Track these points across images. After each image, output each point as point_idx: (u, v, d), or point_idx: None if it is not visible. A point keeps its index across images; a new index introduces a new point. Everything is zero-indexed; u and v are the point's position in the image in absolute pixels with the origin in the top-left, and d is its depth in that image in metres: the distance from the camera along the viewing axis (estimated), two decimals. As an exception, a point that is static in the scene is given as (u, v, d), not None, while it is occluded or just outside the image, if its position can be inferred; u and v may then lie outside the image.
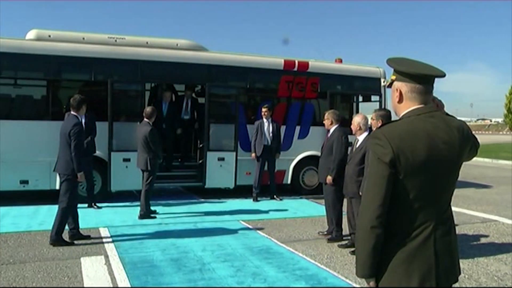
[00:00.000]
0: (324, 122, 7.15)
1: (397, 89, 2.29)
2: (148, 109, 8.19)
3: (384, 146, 2.11)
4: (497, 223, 8.30)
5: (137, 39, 9.77)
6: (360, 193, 6.06)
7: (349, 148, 6.67)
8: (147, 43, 9.74)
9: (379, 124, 5.75)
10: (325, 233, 7.08)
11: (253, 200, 9.91)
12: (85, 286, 4.72)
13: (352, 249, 6.26)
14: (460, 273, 2.34)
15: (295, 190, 10.91)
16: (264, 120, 10.01)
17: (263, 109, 10.00)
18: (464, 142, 2.23)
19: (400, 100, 2.29)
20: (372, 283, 2.20)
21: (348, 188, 6.33)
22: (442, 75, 2.25)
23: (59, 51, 8.96)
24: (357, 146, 6.27)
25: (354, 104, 12.35)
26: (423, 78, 2.23)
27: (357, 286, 4.91)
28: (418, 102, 2.24)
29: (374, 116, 5.86)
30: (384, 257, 2.16)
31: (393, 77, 2.32)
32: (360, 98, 12.44)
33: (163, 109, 10.00)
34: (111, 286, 4.76)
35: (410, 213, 2.15)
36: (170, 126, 10.17)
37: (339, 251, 6.28)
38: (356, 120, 6.32)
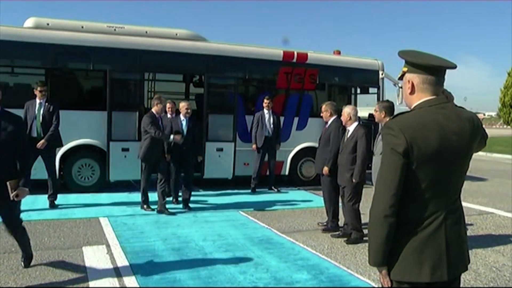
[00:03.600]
0: (322, 113, 7.17)
1: (409, 81, 2.31)
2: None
3: (397, 136, 2.14)
4: (494, 215, 8.39)
5: (136, 28, 9.70)
6: (354, 180, 6.14)
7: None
8: (146, 32, 9.69)
9: (383, 116, 5.79)
10: (325, 224, 7.12)
11: (252, 190, 9.93)
12: (88, 275, 4.74)
13: (344, 238, 6.38)
14: (469, 262, 2.38)
15: (293, 181, 10.95)
16: (265, 111, 10.01)
17: (266, 100, 10.00)
18: (474, 133, 2.27)
19: (412, 92, 2.31)
20: (384, 272, 2.24)
21: (341, 177, 6.41)
22: (453, 66, 2.28)
23: (57, 40, 8.90)
24: (348, 136, 6.37)
25: (352, 96, 12.38)
26: (434, 70, 2.25)
27: (359, 276, 4.96)
28: (429, 94, 2.26)
29: (378, 108, 5.89)
30: (395, 246, 2.20)
31: (405, 69, 2.34)
32: (358, 90, 12.47)
33: (182, 126, 8.02)
34: (115, 275, 4.77)
35: (421, 203, 2.19)
36: (190, 149, 8.11)
37: (339, 242, 6.32)
38: (346, 111, 6.42)
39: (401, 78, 2.38)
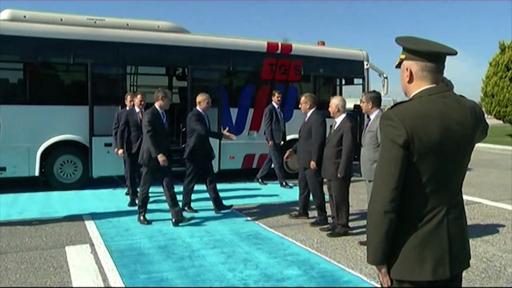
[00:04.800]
0: (301, 105, 7.06)
1: (407, 69, 2.19)
2: None
3: (397, 127, 2.02)
4: (481, 205, 8.39)
5: (117, 20, 9.49)
6: (339, 175, 6.04)
7: (327, 131, 6.65)
8: (127, 24, 9.48)
9: (370, 106, 5.68)
10: (297, 214, 7.14)
11: (285, 186, 9.84)
12: (72, 276, 4.57)
13: (329, 232, 6.32)
14: (470, 258, 2.28)
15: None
16: (276, 105, 9.78)
17: (276, 94, 9.78)
18: (476, 123, 2.16)
19: (411, 80, 2.19)
20: (384, 270, 2.13)
21: (326, 171, 6.31)
22: (454, 52, 2.16)
23: (35, 33, 8.64)
24: (335, 128, 6.25)
25: (338, 87, 12.32)
26: (434, 56, 2.14)
27: (350, 270, 4.87)
28: (429, 82, 2.14)
29: (365, 99, 5.77)
30: (395, 243, 2.09)
31: (403, 56, 2.22)
32: (343, 81, 12.42)
33: (205, 120, 7.34)
34: (99, 275, 4.61)
35: (423, 197, 2.08)
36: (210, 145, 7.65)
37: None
38: (334, 102, 6.28)
39: (398, 66, 2.26)
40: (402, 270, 2.09)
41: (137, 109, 7.77)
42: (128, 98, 8.25)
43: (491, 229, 6.79)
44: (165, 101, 6.66)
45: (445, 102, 2.09)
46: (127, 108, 8.16)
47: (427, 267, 2.06)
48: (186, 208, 7.37)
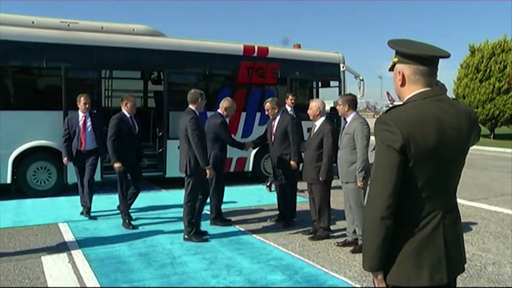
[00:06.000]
0: (268, 111, 7.02)
1: (399, 72, 2.16)
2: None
3: (393, 132, 1.98)
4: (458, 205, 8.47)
5: (91, 23, 9.28)
6: (321, 179, 6.02)
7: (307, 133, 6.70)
8: (102, 28, 9.29)
9: (346, 109, 5.67)
10: (276, 218, 7.11)
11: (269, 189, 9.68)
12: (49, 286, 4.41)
13: (312, 235, 6.29)
14: (465, 262, 2.27)
15: (257, 177, 10.77)
16: (289, 108, 8.97)
17: (290, 97, 9.05)
18: (471, 128, 2.15)
19: (403, 84, 2.16)
20: (380, 277, 2.09)
21: (307, 174, 6.28)
22: (447, 55, 2.14)
23: (6, 36, 8.36)
24: (315, 131, 6.21)
25: (314, 90, 12.36)
26: (427, 59, 2.11)
27: (334, 274, 4.85)
28: (422, 85, 2.12)
29: (341, 101, 5.75)
30: (391, 249, 2.05)
31: (395, 60, 2.20)
32: (320, 84, 12.46)
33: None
34: (78, 285, 4.47)
35: (419, 202, 2.05)
36: None
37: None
38: (316, 105, 6.25)
39: (391, 69, 2.23)
40: (399, 276, 2.06)
41: (128, 114, 6.76)
42: (82, 100, 7.15)
43: (470, 228, 6.89)
44: (202, 103, 6.17)
45: (440, 106, 2.07)
46: (81, 112, 7.21)
47: (424, 273, 2.03)
48: (218, 222, 6.89)
